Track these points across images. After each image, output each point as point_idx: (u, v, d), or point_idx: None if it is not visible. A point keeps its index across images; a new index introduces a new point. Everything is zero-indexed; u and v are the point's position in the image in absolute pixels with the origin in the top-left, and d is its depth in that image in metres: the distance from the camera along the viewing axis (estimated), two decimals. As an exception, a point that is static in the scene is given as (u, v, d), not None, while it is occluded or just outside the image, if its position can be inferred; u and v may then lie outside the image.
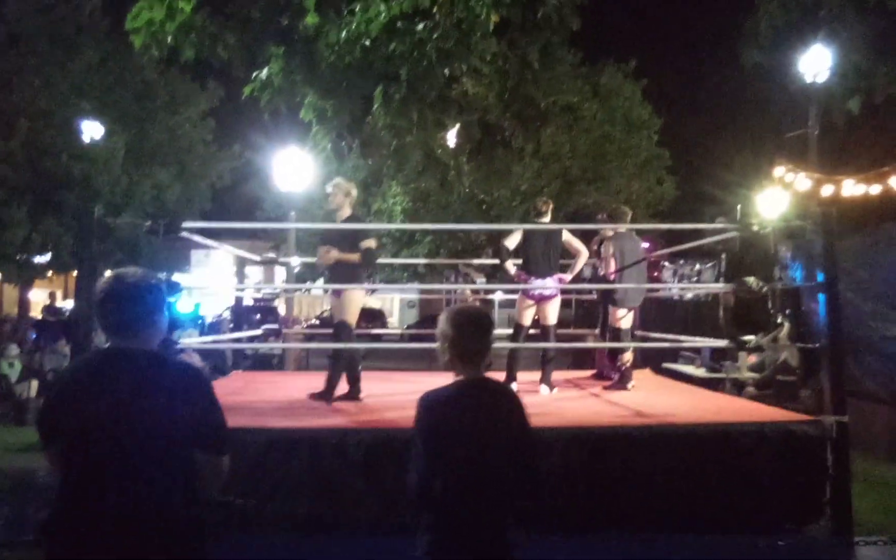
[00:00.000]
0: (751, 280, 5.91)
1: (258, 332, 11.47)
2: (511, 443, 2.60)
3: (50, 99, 17.45)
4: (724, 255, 12.20)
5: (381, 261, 21.19)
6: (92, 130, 18.27)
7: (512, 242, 6.83)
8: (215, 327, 18.78)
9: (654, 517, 4.71)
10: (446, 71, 4.51)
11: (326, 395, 5.92)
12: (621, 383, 7.11)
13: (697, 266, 14.67)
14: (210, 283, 29.86)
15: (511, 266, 6.94)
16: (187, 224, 5.88)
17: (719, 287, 10.92)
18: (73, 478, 2.23)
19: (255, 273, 36.83)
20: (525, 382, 6.95)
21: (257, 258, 11.98)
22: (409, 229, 21.54)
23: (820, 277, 5.33)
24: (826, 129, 12.70)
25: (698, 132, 25.87)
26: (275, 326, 12.72)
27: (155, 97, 20.41)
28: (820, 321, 5.38)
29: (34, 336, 14.70)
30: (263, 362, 13.85)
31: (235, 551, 4.11)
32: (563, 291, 7.35)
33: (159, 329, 2.45)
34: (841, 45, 4.34)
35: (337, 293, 6.14)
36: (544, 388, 6.80)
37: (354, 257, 5.92)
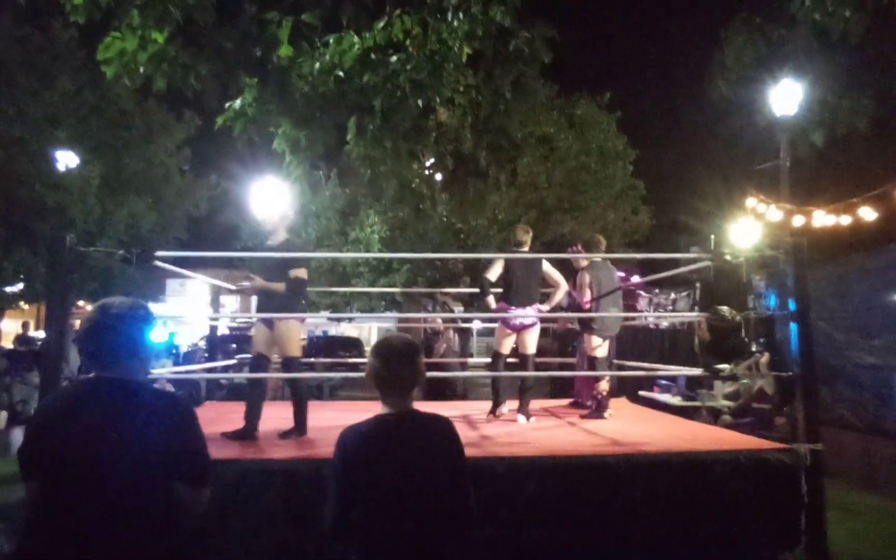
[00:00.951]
0: (724, 309, 5.96)
1: (233, 361, 11.35)
2: (442, 474, 2.56)
3: (24, 128, 17.34)
4: (698, 285, 12.34)
5: (358, 289, 21.33)
6: (66, 159, 18.17)
7: (493, 274, 6.81)
8: (190, 357, 18.59)
9: (631, 546, 4.70)
10: (420, 102, 4.55)
11: (299, 430, 5.78)
12: (598, 412, 7.11)
13: (672, 295, 14.81)
14: (185, 313, 29.59)
15: (492, 300, 6.95)
16: (161, 253, 5.83)
17: (694, 316, 11.00)
18: (52, 509, 2.19)
19: (231, 302, 36.57)
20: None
21: (233, 287, 11.88)
22: (386, 258, 21.53)
23: (792, 306, 5.38)
24: (796, 161, 12.94)
25: (672, 163, 26.23)
26: (250, 356, 12.58)
27: (131, 126, 20.38)
28: (793, 350, 5.44)
29: (5, 366, 14.43)
30: (238, 392, 13.69)
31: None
32: (542, 321, 7.37)
33: (145, 359, 2.45)
34: (806, 80, 4.43)
35: (270, 325, 5.84)
36: (521, 418, 6.76)
37: (280, 287, 5.63)
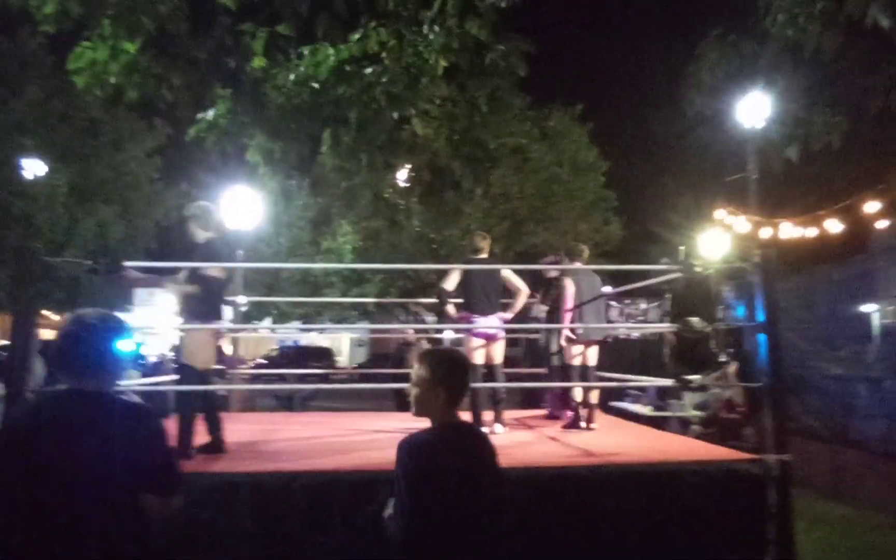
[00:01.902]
0: (694, 320, 6.01)
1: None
2: (487, 485, 2.64)
3: (-10, 135, 17.08)
4: (668, 296, 12.46)
5: (330, 299, 21.23)
6: (34, 167, 17.89)
7: (451, 284, 6.72)
8: (157, 367, 18.35)
9: (601, 556, 4.71)
10: (395, 114, 4.55)
11: (217, 445, 5.43)
12: (575, 422, 7.01)
13: (643, 305, 14.93)
14: (152, 323, 29.21)
15: (451, 308, 6.87)
16: (130, 264, 5.75)
17: (664, 327, 11.10)
18: (19, 526, 2.17)
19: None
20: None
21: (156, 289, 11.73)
22: (358, 269, 21.48)
23: (761, 317, 5.45)
24: (765, 174, 13.15)
25: (643, 175, 26.45)
26: (219, 367, 12.46)
27: (100, 134, 20.12)
28: (762, 360, 5.50)
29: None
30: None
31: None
32: (511, 330, 7.32)
33: (116, 371, 2.45)
34: (779, 94, 4.52)
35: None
36: (498, 427, 6.67)
37: (190, 289, 5.34)
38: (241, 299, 11.01)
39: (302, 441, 6.12)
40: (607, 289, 8.75)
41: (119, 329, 2.45)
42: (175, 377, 7.80)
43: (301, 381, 15.03)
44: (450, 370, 2.72)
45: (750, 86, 4.90)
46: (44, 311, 19.96)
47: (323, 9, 4.18)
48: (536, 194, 21.17)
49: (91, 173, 20.03)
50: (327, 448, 5.80)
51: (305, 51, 4.72)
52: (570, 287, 7.23)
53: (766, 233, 12.56)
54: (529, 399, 9.99)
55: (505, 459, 5.28)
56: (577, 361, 7.21)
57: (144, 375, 15.83)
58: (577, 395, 7.09)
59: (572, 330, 7.11)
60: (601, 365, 7.57)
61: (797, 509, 5.18)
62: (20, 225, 17.51)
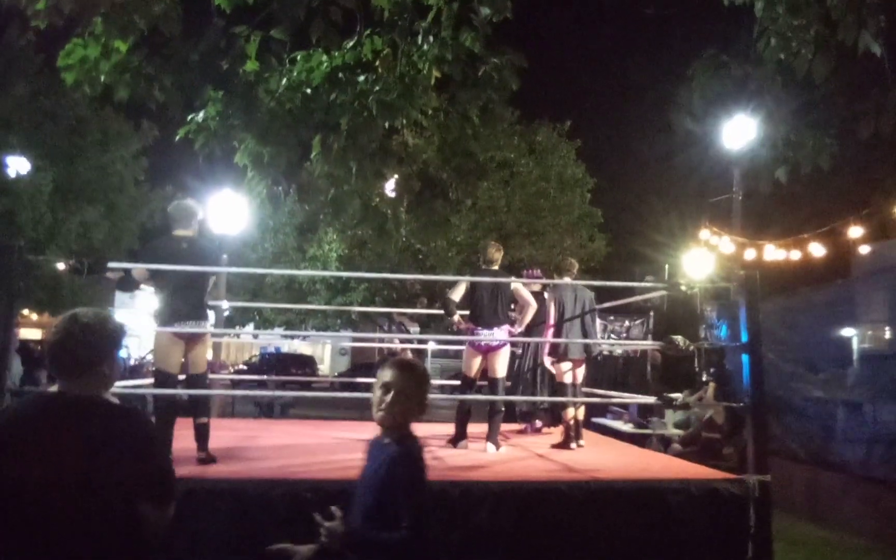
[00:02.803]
0: (678, 338, 6.03)
1: (182, 376, 11.14)
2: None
3: (-26, 132, 16.91)
4: (652, 313, 12.52)
5: (314, 307, 21.15)
6: (18, 165, 17.73)
7: (457, 294, 6.63)
8: (137, 370, 18.21)
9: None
10: (387, 123, 4.55)
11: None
12: (567, 443, 6.81)
13: (627, 323, 14.99)
14: (134, 325, 28.98)
15: (458, 318, 6.69)
16: (113, 264, 5.69)
17: (648, 344, 11.14)
18: (9, 535, 2.10)
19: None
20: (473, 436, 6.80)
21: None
22: (343, 277, 21.42)
23: (743, 338, 5.48)
24: (750, 195, 13.27)
25: (629, 193, 26.70)
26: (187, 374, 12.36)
27: (86, 134, 19.96)
28: (744, 381, 5.53)
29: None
30: (187, 407, 13.43)
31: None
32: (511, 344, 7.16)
33: (111, 374, 2.38)
34: (767, 116, 4.55)
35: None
36: (490, 447, 6.40)
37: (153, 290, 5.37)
38: (224, 304, 10.97)
39: (282, 448, 6.08)
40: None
41: (116, 331, 2.39)
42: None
43: (282, 388, 14.95)
44: (427, 384, 2.80)
45: (738, 108, 4.93)
46: (24, 311, 19.73)
47: (318, 15, 4.17)
48: (523, 208, 21.25)
49: (76, 173, 19.86)
50: (307, 456, 5.76)
51: (299, 56, 4.71)
52: (552, 303, 7.15)
53: (749, 254, 12.66)
54: (511, 413, 9.96)
55: (488, 474, 5.30)
56: (567, 379, 7.08)
57: (123, 378, 15.71)
58: (570, 413, 6.90)
59: (555, 347, 7.02)
60: (586, 380, 7.54)
61: (775, 530, 5.20)
62: (2, 222, 17.32)
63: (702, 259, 13.27)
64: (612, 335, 14.48)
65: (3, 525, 2.09)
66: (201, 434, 5.34)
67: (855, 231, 11.06)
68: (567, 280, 7.30)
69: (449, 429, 6.92)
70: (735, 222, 13.90)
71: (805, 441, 8.97)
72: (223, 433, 6.22)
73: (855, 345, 9.55)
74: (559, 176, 21.88)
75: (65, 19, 4.16)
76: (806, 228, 12.13)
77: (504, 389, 6.89)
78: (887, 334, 9.14)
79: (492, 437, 6.49)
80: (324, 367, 33.51)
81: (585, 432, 7.47)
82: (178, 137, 4.85)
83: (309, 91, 4.63)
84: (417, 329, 12.70)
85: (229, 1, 4.28)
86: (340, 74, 4.66)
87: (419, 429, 2.83)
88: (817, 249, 11.60)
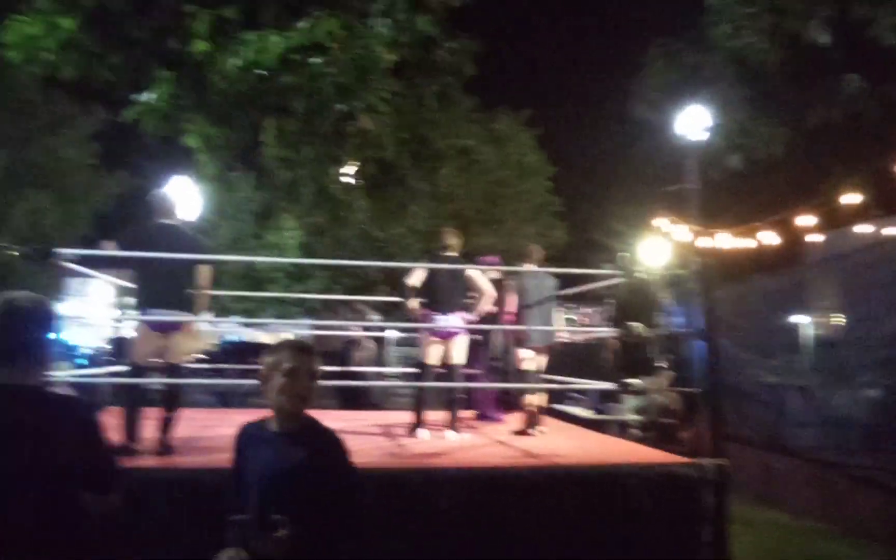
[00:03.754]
0: (635, 325, 6.07)
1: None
2: None
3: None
4: (612, 301, 12.61)
5: (272, 295, 20.90)
6: (-38, 149, 17.20)
7: (416, 279, 6.56)
8: (93, 360, 17.82)
9: (541, 555, 4.72)
10: (342, 106, 4.47)
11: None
12: (527, 428, 6.82)
13: (586, 310, 15.11)
14: (86, 314, 28.35)
15: (415, 303, 6.63)
16: (63, 251, 5.52)
17: (605, 331, 11.23)
18: None
19: (137, 305, 35.16)
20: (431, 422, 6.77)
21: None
22: (301, 264, 21.20)
23: (698, 324, 5.54)
24: (704, 184, 13.45)
25: (588, 182, 26.85)
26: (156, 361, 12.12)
27: (35, 117, 19.41)
28: (699, 367, 5.59)
29: None
30: (162, 398, 13.15)
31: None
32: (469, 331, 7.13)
33: (44, 360, 2.29)
34: (721, 105, 4.59)
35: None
36: (450, 434, 6.39)
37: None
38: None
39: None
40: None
41: (49, 315, 2.31)
42: (109, 370, 7.54)
43: (242, 377, 14.70)
44: None
45: (692, 97, 4.96)
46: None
47: (270, -6, 4.08)
48: (482, 196, 21.26)
49: (24, 157, 19.33)
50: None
51: (251, 37, 4.59)
52: (511, 291, 7.14)
53: (704, 242, 12.84)
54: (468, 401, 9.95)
55: (449, 460, 5.28)
56: (530, 366, 7.07)
57: (79, 368, 15.36)
58: (533, 400, 6.91)
59: (518, 334, 7.03)
60: (546, 368, 7.55)
61: (731, 513, 5.28)
62: (-53, 208, 16.82)
63: (658, 247, 13.41)
64: (571, 323, 14.60)
65: None
66: (166, 426, 5.20)
67: (807, 220, 11.27)
68: (528, 267, 7.29)
69: (407, 416, 6.89)
70: (691, 211, 14.07)
71: (758, 426, 9.13)
72: (181, 423, 6.09)
73: (807, 331, 9.74)
74: (519, 164, 21.93)
75: (6, -5, 4.02)
76: (759, 217, 12.35)
77: (461, 377, 6.86)
78: (838, 321, 9.34)
79: (452, 423, 6.49)
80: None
81: (545, 418, 7.48)
82: (127, 118, 4.71)
83: (262, 72, 4.53)
84: (378, 317, 12.63)
85: (179, -22, 4.16)
86: (294, 56, 4.56)
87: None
88: (770, 238, 11.81)
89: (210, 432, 6.29)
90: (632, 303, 12.45)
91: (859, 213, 11.28)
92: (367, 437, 6.35)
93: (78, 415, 2.25)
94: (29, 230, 19.17)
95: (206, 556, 4.20)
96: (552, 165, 22.85)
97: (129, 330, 7.87)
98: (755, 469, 8.97)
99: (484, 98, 21.57)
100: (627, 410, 10.36)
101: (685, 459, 5.42)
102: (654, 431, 9.27)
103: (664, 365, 10.71)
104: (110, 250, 5.21)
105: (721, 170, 4.49)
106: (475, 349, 8.57)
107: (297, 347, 2.65)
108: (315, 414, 2.76)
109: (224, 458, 5.03)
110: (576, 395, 11.29)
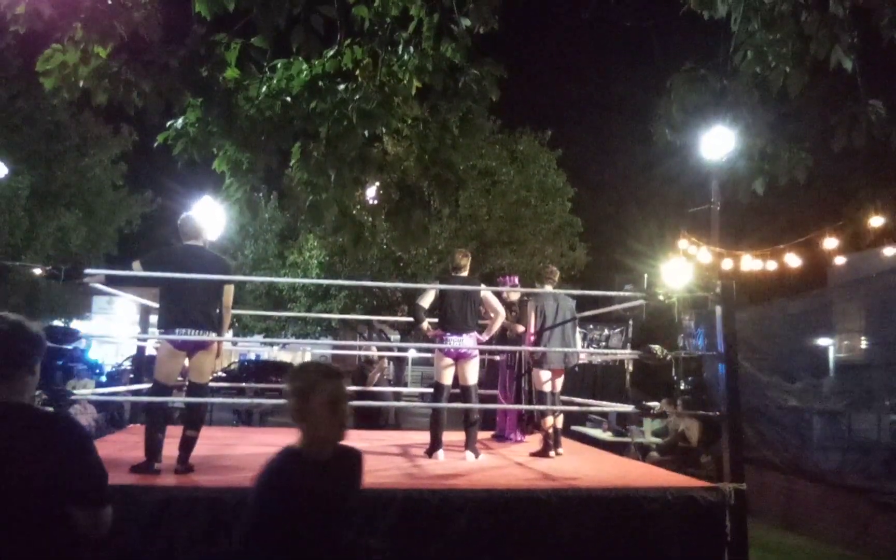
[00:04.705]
0: (656, 347, 6.08)
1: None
2: None
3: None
4: (631, 322, 12.59)
5: (293, 314, 21.04)
6: (-6, 169, 17.54)
7: (427, 301, 6.64)
8: (115, 377, 18.04)
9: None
10: (366, 131, 4.56)
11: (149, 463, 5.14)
12: (546, 451, 6.83)
13: (606, 331, 15.08)
14: (111, 332, 28.71)
15: (427, 326, 6.73)
16: (91, 271, 5.65)
17: (626, 353, 11.21)
18: None
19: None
20: (451, 444, 6.82)
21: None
22: (322, 284, 21.35)
23: (720, 347, 5.54)
24: (727, 206, 13.40)
25: (609, 202, 26.89)
26: (178, 379, 12.27)
27: (65, 138, 19.81)
28: (720, 389, 5.59)
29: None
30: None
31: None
32: (481, 351, 7.17)
33: (32, 380, 2.34)
34: (744, 129, 4.61)
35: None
36: (469, 455, 6.44)
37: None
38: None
39: (259, 457, 6.03)
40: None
41: (35, 336, 2.35)
42: (131, 388, 7.66)
43: (261, 395, 14.80)
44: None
45: (716, 120, 4.99)
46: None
47: (299, 23, 4.17)
48: (504, 217, 21.29)
49: (54, 177, 19.70)
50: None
51: (279, 64, 4.71)
52: (532, 312, 7.19)
53: (727, 264, 12.78)
54: (487, 421, 9.98)
55: (466, 482, 5.31)
56: (547, 388, 7.09)
57: (100, 385, 15.54)
58: (549, 422, 6.94)
59: (535, 356, 7.06)
60: (563, 389, 7.57)
61: (750, 537, 5.25)
62: (-22, 227, 17.15)
63: (680, 269, 13.37)
64: (592, 344, 14.56)
65: None
66: (187, 445, 5.29)
67: (830, 242, 11.19)
68: (548, 288, 7.33)
69: (424, 436, 6.92)
70: (713, 232, 14.02)
71: (780, 450, 9.06)
72: (201, 441, 6.18)
73: (830, 354, 9.67)
74: (540, 185, 21.95)
75: (44, 24, 4.14)
76: (782, 239, 12.27)
77: (477, 397, 6.89)
78: (862, 344, 9.26)
79: (470, 445, 6.53)
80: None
81: (564, 440, 7.49)
82: (156, 144, 4.83)
83: (289, 99, 4.63)
84: (398, 337, 12.70)
85: (209, 8, 4.27)
86: (320, 83, 4.66)
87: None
88: (793, 260, 11.73)
89: (230, 451, 6.38)
90: (652, 324, 12.43)
91: (884, 236, 11.17)
92: (384, 457, 6.40)
93: (61, 432, 2.27)
94: (54, 249, 19.49)
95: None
96: (574, 186, 22.86)
97: (151, 348, 7.99)
98: (778, 494, 8.89)
99: (506, 119, 21.70)
100: (647, 433, 10.32)
101: (704, 483, 5.41)
102: (674, 454, 9.23)
103: (685, 387, 10.66)
104: (138, 271, 5.34)
105: (745, 194, 4.51)
106: (496, 369, 8.63)
107: (334, 374, 2.64)
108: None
109: (244, 478, 5.12)
110: (596, 417, 11.26)
